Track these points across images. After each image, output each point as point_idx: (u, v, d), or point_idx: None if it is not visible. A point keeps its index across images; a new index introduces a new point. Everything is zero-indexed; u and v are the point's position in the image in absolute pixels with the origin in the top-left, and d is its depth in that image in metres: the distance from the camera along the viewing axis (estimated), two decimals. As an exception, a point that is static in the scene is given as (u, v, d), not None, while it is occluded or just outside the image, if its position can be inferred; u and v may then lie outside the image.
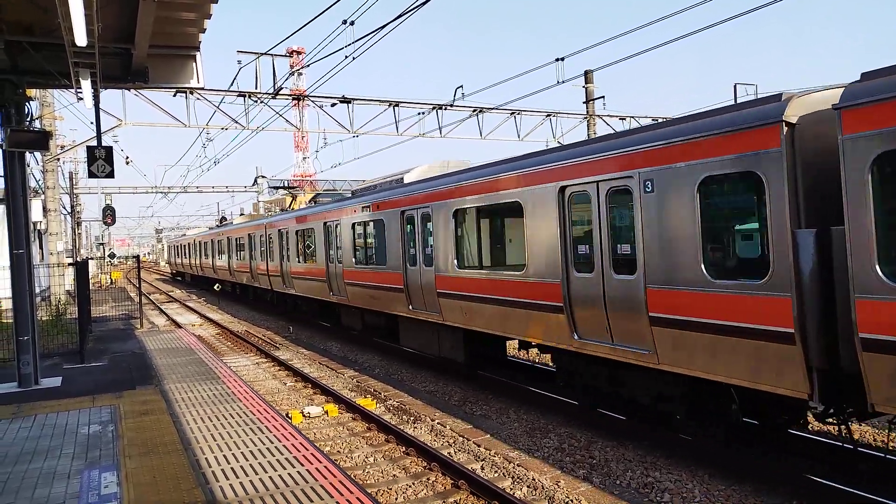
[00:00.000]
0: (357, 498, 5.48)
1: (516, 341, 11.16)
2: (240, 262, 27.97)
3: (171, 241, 64.32)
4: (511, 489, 7.06)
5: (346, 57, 13.42)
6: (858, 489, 6.24)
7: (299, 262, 19.43)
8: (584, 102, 23.12)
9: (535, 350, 13.40)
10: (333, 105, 22.71)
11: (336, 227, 16.31)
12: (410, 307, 12.51)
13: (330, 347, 17.48)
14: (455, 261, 10.88)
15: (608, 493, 6.92)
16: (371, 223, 14.37)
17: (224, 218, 46.89)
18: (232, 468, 6.29)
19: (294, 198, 25.31)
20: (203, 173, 60.64)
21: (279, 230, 21.47)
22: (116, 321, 20.79)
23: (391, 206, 13.13)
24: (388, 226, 13.23)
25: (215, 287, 35.27)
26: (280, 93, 21.02)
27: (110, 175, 10.77)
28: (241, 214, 42.90)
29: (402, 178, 13.78)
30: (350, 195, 17.03)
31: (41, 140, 10.06)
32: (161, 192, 49.35)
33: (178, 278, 56.64)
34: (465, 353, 11.52)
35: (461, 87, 21.00)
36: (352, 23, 13.22)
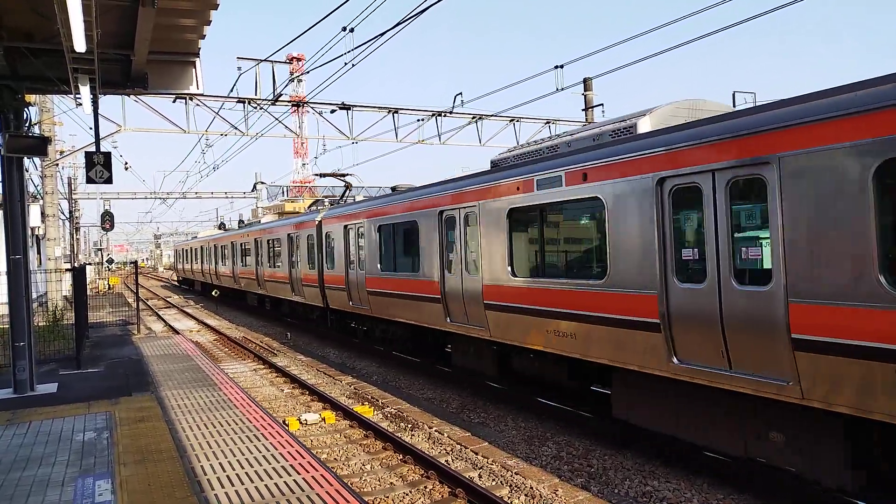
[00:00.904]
0: (353, 506, 5.45)
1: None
2: (274, 269, 22.47)
3: (178, 244, 56.17)
4: (509, 497, 7.01)
5: (346, 64, 13.49)
6: (859, 498, 6.20)
7: (381, 270, 14.05)
8: (583, 110, 23.15)
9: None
10: (333, 111, 22.80)
11: (466, 217, 10.75)
12: (676, 360, 6.84)
13: (328, 354, 17.43)
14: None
15: (607, 501, 6.88)
16: (561, 208, 8.84)
17: (223, 224, 46.81)
18: (227, 476, 6.26)
19: (348, 187, 21.71)
20: (202, 179, 60.28)
21: (345, 226, 16.06)
22: (113, 327, 20.73)
23: (623, 172, 7.50)
24: (615, 211, 7.62)
25: (213, 293, 35.20)
26: (280, 99, 21.10)
27: (109, 181, 10.80)
28: (242, 221, 42.64)
29: (635, 125, 8.17)
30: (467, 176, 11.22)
31: (40, 145, 10.08)
32: (160, 198, 49.38)
33: (185, 286, 50.77)
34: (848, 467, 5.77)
35: (460, 93, 21.09)
36: (351, 30, 13.28)
